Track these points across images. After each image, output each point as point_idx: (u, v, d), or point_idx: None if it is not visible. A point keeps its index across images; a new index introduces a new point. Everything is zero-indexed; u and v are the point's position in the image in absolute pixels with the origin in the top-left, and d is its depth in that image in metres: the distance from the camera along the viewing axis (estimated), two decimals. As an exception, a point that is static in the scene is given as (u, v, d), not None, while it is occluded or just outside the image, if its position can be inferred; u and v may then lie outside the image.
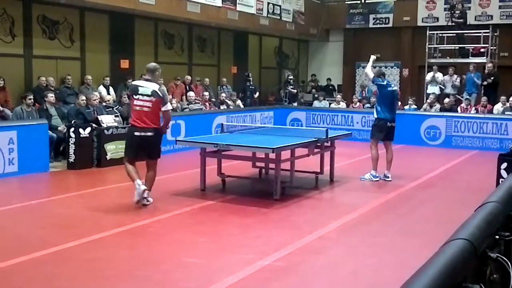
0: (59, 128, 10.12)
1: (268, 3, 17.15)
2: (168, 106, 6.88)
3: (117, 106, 11.32)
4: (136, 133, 6.76)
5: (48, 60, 12.29)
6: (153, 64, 7.21)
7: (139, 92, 6.77)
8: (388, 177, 8.99)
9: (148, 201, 6.92)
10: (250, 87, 16.88)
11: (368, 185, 8.83)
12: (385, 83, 9.06)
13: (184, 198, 7.47)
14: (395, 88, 9.36)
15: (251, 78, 17.01)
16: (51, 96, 10.43)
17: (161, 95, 6.72)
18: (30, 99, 9.99)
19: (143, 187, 6.76)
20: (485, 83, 15.09)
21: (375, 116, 8.98)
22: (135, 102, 6.79)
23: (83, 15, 12.94)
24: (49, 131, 9.72)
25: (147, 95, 6.71)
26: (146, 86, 6.78)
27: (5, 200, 7.31)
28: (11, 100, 10.88)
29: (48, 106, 10.37)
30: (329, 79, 20.69)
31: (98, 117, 10.23)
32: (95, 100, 10.65)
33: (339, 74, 21.23)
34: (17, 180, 8.68)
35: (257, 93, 17.39)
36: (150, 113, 6.72)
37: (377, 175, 9.00)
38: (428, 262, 1.95)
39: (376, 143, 9.02)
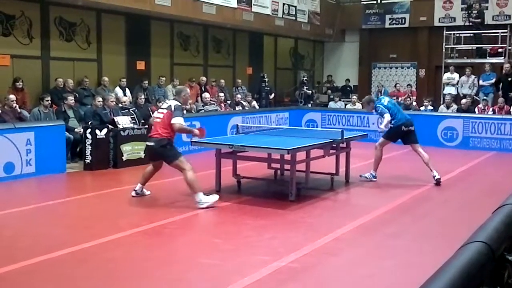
0: (76, 129, 10.21)
1: (284, 4, 17.14)
2: (176, 120, 6.99)
3: (133, 108, 11.38)
4: (146, 143, 7.47)
5: (65, 61, 12.39)
6: (180, 87, 8.21)
7: (161, 107, 7.48)
8: (435, 176, 8.74)
9: (201, 205, 6.92)
10: (266, 88, 16.85)
11: (384, 186, 8.77)
12: (379, 102, 9.02)
13: (200, 199, 7.47)
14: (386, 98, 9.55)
15: (266, 79, 16.97)
16: (70, 99, 10.55)
17: (173, 109, 7.05)
18: (47, 100, 10.09)
19: (133, 192, 7.52)
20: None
21: (391, 125, 8.86)
22: (155, 115, 7.49)
23: (99, 17, 13.03)
24: (66, 132, 9.81)
25: (163, 109, 7.25)
26: (167, 102, 7.45)
27: (22, 201, 7.39)
28: (28, 102, 10.99)
29: (66, 108, 10.48)
30: (347, 80, 20.60)
31: (114, 118, 10.29)
32: (112, 101, 10.73)
33: (355, 75, 21.14)
34: (34, 181, 8.76)
35: (273, 94, 17.36)
36: (159, 123, 7.11)
37: (375, 175, 9.01)
38: (445, 265, 1.93)
39: (384, 144, 9.02)
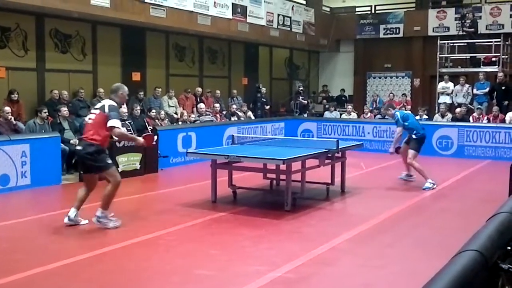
0: (71, 141, 10.20)
1: (278, 15, 17.21)
2: (112, 123, 6.23)
3: (129, 120, 11.37)
4: (76, 147, 6.58)
5: (60, 73, 12.41)
6: (116, 84, 6.88)
7: (94, 107, 6.66)
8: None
9: (97, 221, 6.35)
10: (262, 99, 16.86)
11: (380, 195, 8.79)
12: (400, 115, 9.53)
13: (195, 210, 7.48)
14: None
15: (261, 90, 16.97)
16: (64, 110, 10.54)
17: (107, 109, 6.29)
18: (45, 112, 10.09)
19: (66, 218, 6.45)
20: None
21: (414, 136, 9.36)
22: (88, 116, 6.64)
23: (95, 29, 13.06)
24: (62, 144, 9.80)
25: (96, 109, 6.49)
26: (101, 102, 6.62)
27: (18, 213, 7.38)
28: (24, 113, 10.98)
29: (61, 120, 10.47)
30: (342, 90, 20.67)
31: (110, 129, 10.27)
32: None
33: (350, 85, 21.22)
34: (29, 192, 8.74)
35: (269, 106, 17.34)
36: (90, 125, 6.39)
37: (433, 181, 9.23)
38: (438, 274, 1.94)
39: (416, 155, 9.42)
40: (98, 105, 6.50)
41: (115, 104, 6.42)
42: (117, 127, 6.24)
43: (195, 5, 13.75)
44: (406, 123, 9.35)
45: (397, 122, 9.39)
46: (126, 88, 6.77)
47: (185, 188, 9.23)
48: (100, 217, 6.34)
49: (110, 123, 6.21)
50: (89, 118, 6.45)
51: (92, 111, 6.52)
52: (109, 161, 6.50)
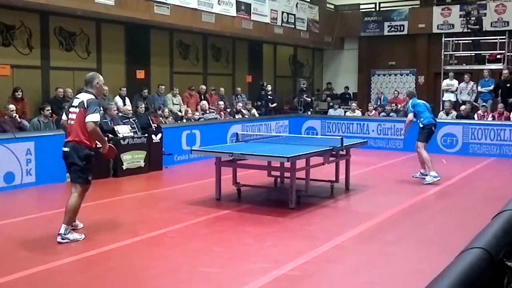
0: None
1: (282, 12, 17.19)
2: (91, 118, 5.76)
3: (133, 117, 11.38)
4: (62, 148, 6.03)
5: (65, 71, 12.43)
6: (90, 74, 6.30)
7: (72, 105, 6.03)
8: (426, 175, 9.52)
9: (62, 239, 5.80)
10: (268, 96, 16.78)
11: (384, 193, 8.77)
12: (411, 103, 9.65)
13: (200, 208, 7.48)
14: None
15: (266, 88, 16.89)
16: (68, 108, 10.56)
17: (86, 105, 5.80)
18: (48, 110, 10.11)
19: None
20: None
21: (421, 124, 9.46)
22: (69, 116, 6.02)
23: (99, 27, 13.08)
24: (66, 142, 9.80)
25: (74, 107, 5.93)
26: (78, 97, 6.00)
27: (22, 211, 7.40)
28: (28, 111, 11.00)
29: (65, 117, 10.49)
30: (346, 87, 20.64)
31: (115, 127, 10.30)
32: (114, 110, 10.73)
33: (354, 82, 21.20)
34: (34, 190, 8.76)
35: (275, 104, 17.28)
36: (74, 125, 5.89)
37: (437, 174, 9.25)
38: (444, 271, 1.93)
39: (425, 146, 9.48)
40: (76, 102, 5.93)
41: (93, 97, 5.91)
42: (95, 122, 5.78)
43: (199, 2, 13.76)
44: (416, 110, 9.53)
45: (408, 109, 9.66)
46: (101, 77, 6.28)
47: (189, 186, 9.24)
48: (62, 234, 5.79)
49: (89, 118, 5.74)
50: (71, 119, 5.92)
51: (72, 110, 5.94)
52: (90, 177, 6.08)
